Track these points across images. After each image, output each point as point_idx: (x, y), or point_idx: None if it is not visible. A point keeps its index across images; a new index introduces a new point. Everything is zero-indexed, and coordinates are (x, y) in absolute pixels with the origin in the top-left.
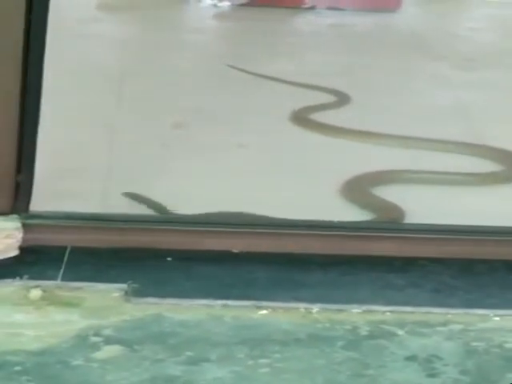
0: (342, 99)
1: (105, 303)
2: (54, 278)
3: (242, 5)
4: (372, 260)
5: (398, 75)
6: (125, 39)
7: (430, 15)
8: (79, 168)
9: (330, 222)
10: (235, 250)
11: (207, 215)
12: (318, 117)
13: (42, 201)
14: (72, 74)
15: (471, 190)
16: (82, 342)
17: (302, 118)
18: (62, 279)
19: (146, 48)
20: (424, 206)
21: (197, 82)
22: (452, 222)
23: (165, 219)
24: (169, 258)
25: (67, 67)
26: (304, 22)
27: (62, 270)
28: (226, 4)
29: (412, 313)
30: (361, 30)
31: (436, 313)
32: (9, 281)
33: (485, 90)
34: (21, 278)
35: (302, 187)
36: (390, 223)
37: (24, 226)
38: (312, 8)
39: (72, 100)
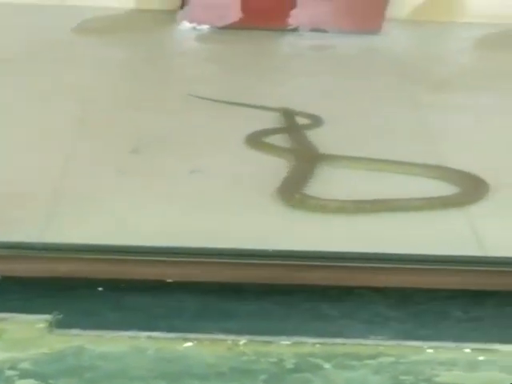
0: (315, 121)
1: (27, 335)
2: None
3: (222, 28)
4: (307, 289)
5: (372, 97)
6: (97, 62)
7: (411, 37)
8: (21, 193)
9: (265, 250)
10: (169, 280)
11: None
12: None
13: None
14: (36, 97)
15: (415, 216)
16: None
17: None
18: None
19: (115, 71)
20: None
21: (161, 106)
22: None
23: (98, 248)
24: (100, 288)
25: (35, 90)
26: (285, 44)
27: None
28: (205, 27)
29: (342, 345)
30: (341, 52)
31: (367, 345)
32: None
33: (458, 112)
34: None
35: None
36: (326, 252)
37: None
38: (294, 30)
39: (29, 124)
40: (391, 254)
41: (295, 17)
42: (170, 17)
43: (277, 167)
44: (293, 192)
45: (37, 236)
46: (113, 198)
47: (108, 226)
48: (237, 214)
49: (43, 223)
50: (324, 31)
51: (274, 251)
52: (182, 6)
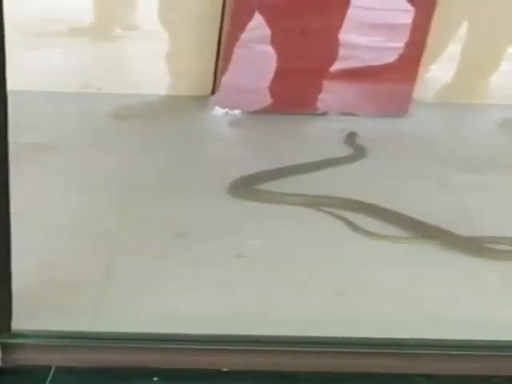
0: None
1: None
2: None
3: (254, 112)
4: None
5: (405, 178)
6: (136, 148)
7: (437, 119)
8: (70, 282)
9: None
10: (225, 369)
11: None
12: None
13: (25, 318)
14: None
15: None
16: None
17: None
18: None
19: (154, 157)
20: None
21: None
22: None
23: (150, 337)
24: (155, 378)
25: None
26: (315, 128)
27: None
28: (237, 112)
29: None
30: (370, 135)
31: None
32: None
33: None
34: None
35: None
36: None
37: (4, 345)
38: (324, 114)
39: (75, 209)
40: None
41: (323, 101)
42: (202, 103)
43: None
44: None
45: (87, 325)
46: (162, 284)
47: (159, 313)
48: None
49: (93, 311)
50: (353, 115)
51: (327, 338)
52: (214, 91)
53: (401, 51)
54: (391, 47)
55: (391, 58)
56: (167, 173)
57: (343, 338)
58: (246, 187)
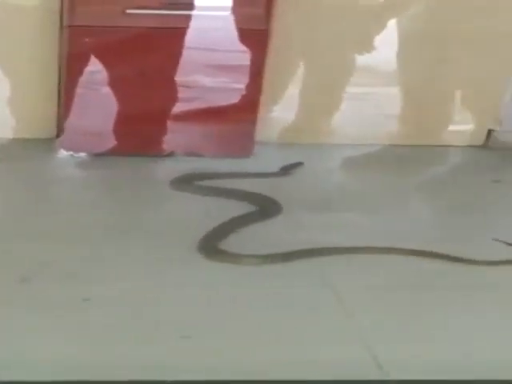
0: None
1: None
2: None
3: (99, 154)
4: None
5: None
6: None
7: (281, 158)
8: None
9: None
10: None
11: None
12: None
13: None
14: None
15: None
16: None
17: None
18: None
19: None
20: None
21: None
22: None
23: None
24: None
25: None
26: (161, 169)
27: None
28: (83, 154)
29: None
30: None
31: None
32: None
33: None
34: None
35: None
36: None
37: None
38: (170, 155)
39: None
40: None
41: (169, 142)
42: (47, 145)
43: None
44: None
45: None
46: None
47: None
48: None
49: None
50: (199, 155)
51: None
52: (59, 134)
53: (243, 92)
54: (234, 88)
55: (234, 99)
56: (10, 218)
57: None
58: None
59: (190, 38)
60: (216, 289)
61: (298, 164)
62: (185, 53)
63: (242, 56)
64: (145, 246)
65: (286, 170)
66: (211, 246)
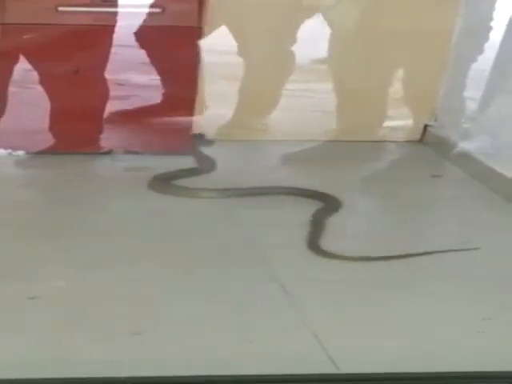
0: None
1: None
2: None
3: (38, 152)
4: None
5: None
6: None
7: (219, 155)
8: None
9: None
10: None
11: None
12: None
13: None
14: None
15: None
16: None
17: None
18: None
19: None
20: None
21: None
22: None
23: None
24: None
25: None
26: (100, 167)
27: None
28: (21, 153)
29: None
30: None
31: None
32: None
33: None
34: None
35: None
36: None
37: None
38: (109, 152)
39: None
40: None
41: (106, 140)
42: None
43: None
44: None
45: None
46: None
47: None
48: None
49: None
50: (137, 153)
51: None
52: None
53: (178, 89)
54: (168, 86)
55: (168, 96)
56: None
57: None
58: None
59: (122, 35)
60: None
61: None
62: (117, 50)
63: (174, 53)
64: (82, 244)
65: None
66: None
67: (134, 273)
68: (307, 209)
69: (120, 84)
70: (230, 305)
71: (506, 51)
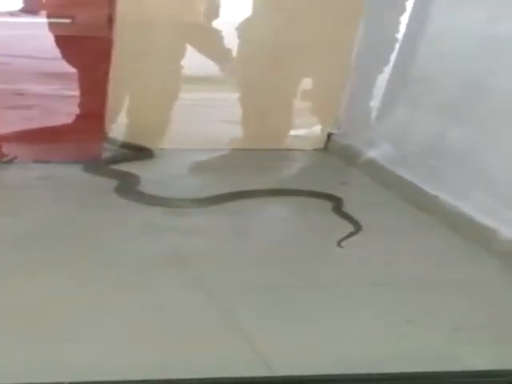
0: None
1: None
2: None
3: None
4: None
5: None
6: None
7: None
8: None
9: None
10: None
11: None
12: None
13: None
14: None
15: None
16: None
17: None
18: None
19: None
20: None
21: None
22: None
23: None
24: None
25: None
26: (11, 176)
27: None
28: None
29: None
30: (65, 181)
31: None
32: None
33: None
34: None
35: None
36: None
37: None
38: (13, 160)
39: None
40: None
41: (9, 148)
42: None
43: None
44: None
45: None
46: None
47: None
48: None
49: None
50: (47, 161)
51: None
52: None
53: (85, 99)
54: (72, 95)
55: (74, 105)
56: None
57: None
58: None
59: (15, 45)
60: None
61: None
62: (11, 60)
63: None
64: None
65: None
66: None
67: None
68: None
69: (17, 94)
70: None
71: (405, 60)
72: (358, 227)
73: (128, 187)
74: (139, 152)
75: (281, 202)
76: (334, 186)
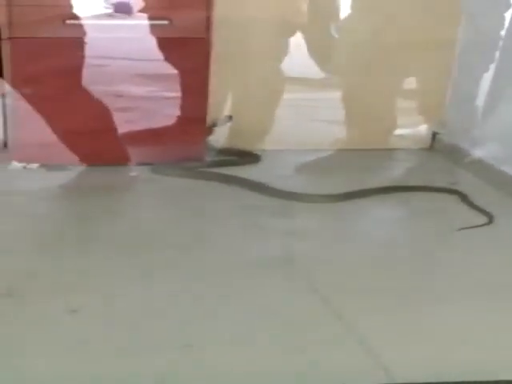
0: None
1: None
2: None
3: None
4: None
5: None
6: None
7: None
8: None
9: None
10: None
11: None
12: None
13: None
14: None
15: None
16: None
17: None
18: None
19: None
20: None
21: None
22: None
23: None
24: None
25: None
26: (126, 177)
27: None
28: (35, 165)
29: None
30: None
31: None
32: None
33: None
34: None
35: None
36: None
37: None
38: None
39: None
40: None
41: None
42: None
43: None
44: None
45: None
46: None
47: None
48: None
49: None
50: (152, 164)
51: None
52: (6, 145)
53: (186, 101)
54: (172, 97)
55: (175, 107)
56: None
57: None
58: None
59: (114, 47)
60: None
61: None
62: (111, 62)
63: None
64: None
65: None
66: None
67: None
68: None
69: (119, 95)
70: None
71: (510, 57)
72: (490, 218)
73: (263, 186)
74: (246, 157)
75: (406, 199)
76: (444, 185)
